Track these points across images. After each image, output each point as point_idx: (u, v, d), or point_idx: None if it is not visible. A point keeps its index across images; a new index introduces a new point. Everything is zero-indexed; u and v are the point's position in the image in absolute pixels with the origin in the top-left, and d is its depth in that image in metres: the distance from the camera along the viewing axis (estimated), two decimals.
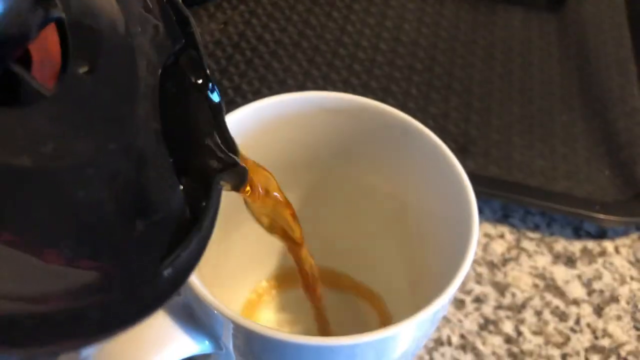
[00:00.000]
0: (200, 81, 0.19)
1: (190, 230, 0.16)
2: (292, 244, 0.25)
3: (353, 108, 0.27)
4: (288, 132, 0.28)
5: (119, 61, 0.15)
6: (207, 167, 0.18)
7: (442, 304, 0.21)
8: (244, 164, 0.20)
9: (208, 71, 0.19)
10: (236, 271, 0.30)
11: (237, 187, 0.20)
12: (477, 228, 0.22)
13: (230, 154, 0.19)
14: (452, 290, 0.21)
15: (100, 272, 0.13)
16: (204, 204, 0.17)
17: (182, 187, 0.17)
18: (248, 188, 0.21)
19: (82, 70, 0.14)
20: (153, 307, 0.14)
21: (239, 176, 0.20)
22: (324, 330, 0.30)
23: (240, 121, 0.26)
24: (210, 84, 0.19)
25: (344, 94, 0.27)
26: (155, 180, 0.16)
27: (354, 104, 0.27)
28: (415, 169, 0.26)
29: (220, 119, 0.19)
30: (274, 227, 0.24)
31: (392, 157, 0.27)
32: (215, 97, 0.19)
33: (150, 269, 0.14)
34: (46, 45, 0.14)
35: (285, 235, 0.24)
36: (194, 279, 0.20)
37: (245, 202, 0.23)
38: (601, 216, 0.36)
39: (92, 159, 0.13)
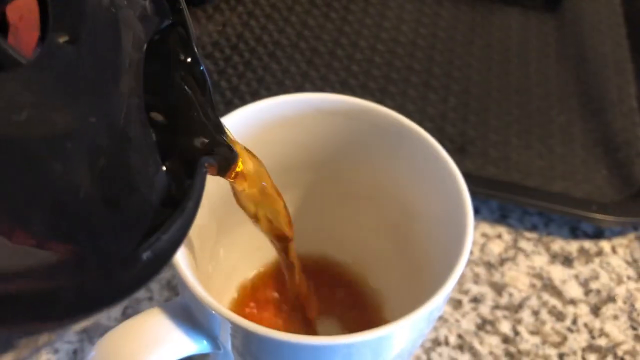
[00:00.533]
0: (189, 60, 0.18)
1: (172, 213, 0.15)
2: (279, 237, 0.24)
3: (350, 109, 0.27)
4: (286, 133, 0.28)
5: (102, 33, 0.15)
6: (192, 147, 0.17)
7: (437, 303, 0.21)
8: (232, 147, 0.19)
9: (196, 50, 0.18)
10: (227, 268, 0.30)
11: (224, 170, 0.19)
12: (472, 229, 0.22)
13: (218, 135, 0.18)
14: (446, 290, 0.21)
15: (74, 254, 0.13)
16: (187, 185, 0.16)
17: (165, 167, 0.16)
18: (234, 173, 0.20)
19: (63, 39, 0.13)
20: (129, 291, 0.14)
21: (226, 158, 0.19)
22: (307, 323, 0.30)
23: (238, 122, 0.26)
24: (198, 63, 0.18)
25: (341, 96, 0.27)
26: (137, 158, 0.15)
27: (351, 106, 0.27)
28: (411, 170, 0.27)
29: (208, 99, 0.19)
30: (261, 218, 0.23)
31: (388, 157, 0.27)
32: (202, 76, 0.18)
33: (128, 252, 0.14)
34: (24, 12, 0.13)
35: (271, 227, 0.24)
36: (191, 279, 0.20)
37: (232, 190, 0.22)
38: (598, 216, 0.36)
39: (70, 131, 0.13)
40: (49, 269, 0.12)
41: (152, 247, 0.14)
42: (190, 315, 0.21)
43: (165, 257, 0.15)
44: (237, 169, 0.20)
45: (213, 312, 0.20)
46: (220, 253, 0.29)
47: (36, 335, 0.12)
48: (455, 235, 0.23)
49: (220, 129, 0.19)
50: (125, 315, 0.33)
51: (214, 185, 0.20)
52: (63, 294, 0.12)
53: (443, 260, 0.23)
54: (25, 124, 0.12)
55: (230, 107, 0.36)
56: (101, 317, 0.32)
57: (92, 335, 0.32)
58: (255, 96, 0.42)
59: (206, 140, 0.18)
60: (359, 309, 0.32)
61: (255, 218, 0.23)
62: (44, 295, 0.12)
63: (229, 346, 0.22)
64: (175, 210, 0.15)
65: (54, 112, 0.13)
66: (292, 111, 0.28)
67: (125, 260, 0.14)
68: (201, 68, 0.19)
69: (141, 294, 0.33)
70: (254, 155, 0.22)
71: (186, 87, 0.18)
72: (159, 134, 0.16)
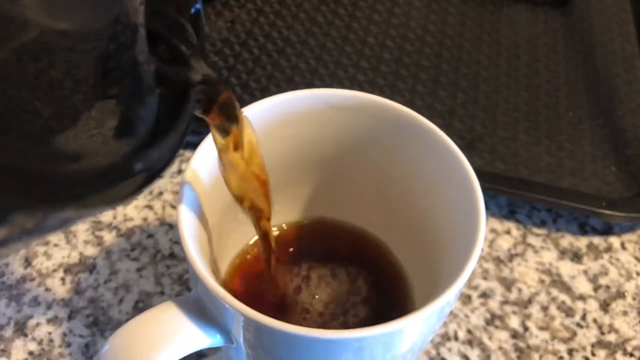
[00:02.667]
0: None
1: (163, 134, 0.16)
2: (259, 216, 0.25)
3: (360, 105, 0.27)
4: (296, 129, 0.28)
5: None
6: (187, 77, 0.18)
7: (448, 299, 0.21)
8: (230, 97, 0.20)
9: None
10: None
11: (210, 104, 0.20)
12: (484, 225, 0.22)
13: (210, 71, 0.19)
14: (458, 285, 0.21)
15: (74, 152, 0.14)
16: (177, 111, 0.17)
17: (159, 91, 0.17)
18: (224, 141, 0.21)
19: None
20: (121, 197, 0.15)
21: (216, 89, 0.20)
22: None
23: (250, 118, 0.26)
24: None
25: (351, 91, 0.27)
26: (136, 77, 0.16)
27: (361, 101, 0.27)
28: (423, 165, 0.27)
29: (201, 37, 0.20)
30: (242, 196, 0.24)
31: (399, 152, 0.27)
32: (198, 11, 0.20)
33: (122, 160, 0.15)
34: None
35: (253, 206, 0.24)
36: (205, 272, 0.21)
37: (219, 159, 0.22)
38: (607, 212, 0.36)
39: (77, 34, 0.14)
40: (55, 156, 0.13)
41: (143, 160, 0.15)
42: (203, 309, 0.22)
43: (155, 170, 0.16)
44: (237, 137, 0.21)
45: (226, 305, 0.20)
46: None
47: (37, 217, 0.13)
48: (467, 230, 0.23)
49: (210, 69, 0.20)
50: (137, 309, 0.33)
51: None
52: (62, 183, 0.13)
53: (455, 255, 0.24)
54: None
55: (240, 103, 0.36)
56: (113, 310, 0.33)
57: (103, 329, 0.32)
58: (265, 92, 0.42)
59: (202, 73, 0.19)
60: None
61: (237, 195, 0.24)
62: (47, 180, 0.13)
63: (241, 340, 0.22)
64: (165, 132, 0.17)
65: (61, 15, 0.14)
66: (302, 107, 0.28)
67: (120, 167, 0.15)
68: (197, 6, 0.20)
69: (152, 288, 0.34)
70: (253, 131, 0.23)
71: (184, 22, 0.19)
72: (157, 57, 0.18)
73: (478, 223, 0.22)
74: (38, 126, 0.14)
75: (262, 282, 0.29)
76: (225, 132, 0.21)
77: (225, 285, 0.29)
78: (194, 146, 0.25)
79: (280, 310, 0.29)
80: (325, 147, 0.29)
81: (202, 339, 0.22)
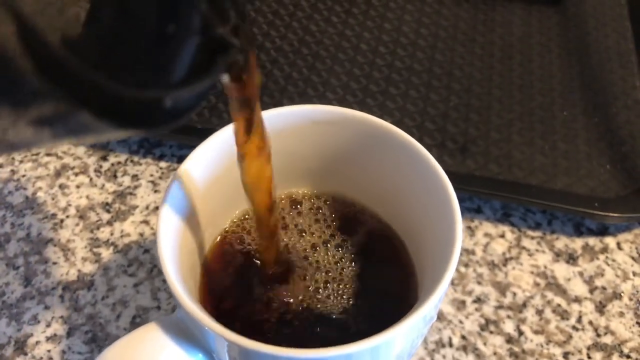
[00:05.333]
0: None
1: (195, 78, 0.18)
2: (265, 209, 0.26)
3: (341, 120, 0.27)
4: (281, 144, 0.29)
5: None
6: (227, 38, 0.19)
7: (429, 309, 0.22)
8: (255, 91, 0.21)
9: None
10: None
11: (239, 74, 0.20)
12: (460, 239, 0.23)
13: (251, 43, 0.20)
14: (438, 295, 0.22)
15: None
16: (210, 62, 0.18)
17: (197, 42, 0.18)
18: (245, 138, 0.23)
19: None
20: (148, 126, 0.16)
21: (246, 60, 0.20)
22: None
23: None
24: None
25: (333, 107, 0.27)
26: (184, 17, 0.17)
27: (342, 116, 0.27)
28: (401, 177, 0.27)
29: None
30: (254, 182, 0.25)
31: (381, 166, 0.28)
32: None
33: (156, 91, 0.16)
34: None
35: (261, 200, 0.25)
36: (185, 297, 0.21)
37: (238, 155, 0.23)
38: (602, 213, 0.36)
39: None
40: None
41: (174, 96, 0.17)
42: (186, 329, 0.22)
43: (184, 108, 0.18)
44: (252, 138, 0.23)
45: (206, 327, 0.20)
46: None
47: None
48: (445, 243, 0.23)
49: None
50: (135, 325, 0.34)
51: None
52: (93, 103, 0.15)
53: (436, 264, 0.24)
54: None
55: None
56: (111, 326, 0.33)
57: (101, 346, 0.33)
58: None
59: (240, 41, 0.19)
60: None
61: (249, 188, 0.25)
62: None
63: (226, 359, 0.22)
64: (197, 77, 0.18)
65: None
66: (287, 122, 0.28)
67: (153, 99, 0.16)
68: None
69: (149, 303, 0.34)
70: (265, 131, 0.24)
71: None
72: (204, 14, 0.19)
73: (454, 239, 0.22)
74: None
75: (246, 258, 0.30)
76: (243, 106, 0.22)
77: (207, 263, 0.29)
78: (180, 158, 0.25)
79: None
80: (310, 161, 0.29)
81: (184, 358, 0.22)
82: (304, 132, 0.28)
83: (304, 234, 0.30)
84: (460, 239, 0.23)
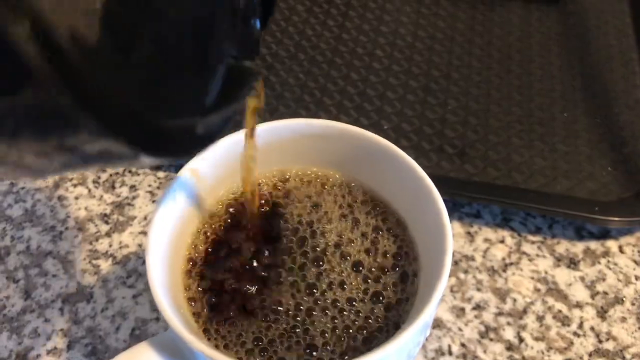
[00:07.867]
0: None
1: (223, 104, 0.19)
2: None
3: (335, 134, 0.27)
4: (275, 157, 0.29)
5: None
6: (251, 69, 0.21)
7: (424, 321, 0.21)
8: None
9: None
10: None
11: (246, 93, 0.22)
12: (450, 255, 0.22)
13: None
14: (430, 309, 0.22)
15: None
16: (238, 87, 0.20)
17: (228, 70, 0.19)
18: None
19: None
20: (180, 152, 0.17)
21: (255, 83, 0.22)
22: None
23: (230, 147, 0.26)
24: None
25: (324, 121, 0.27)
26: (220, 48, 0.19)
27: (336, 131, 0.27)
28: (394, 187, 0.27)
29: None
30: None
31: (374, 178, 0.27)
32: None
33: (193, 113, 0.18)
34: None
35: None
36: (175, 319, 0.21)
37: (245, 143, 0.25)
38: (603, 217, 0.36)
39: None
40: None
41: (206, 122, 0.18)
42: (176, 349, 0.22)
43: (212, 132, 0.19)
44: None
45: (195, 350, 0.20)
46: None
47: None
48: (437, 256, 0.23)
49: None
50: (134, 337, 0.34)
51: None
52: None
53: (429, 271, 0.24)
54: None
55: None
56: (110, 338, 0.33)
57: (101, 358, 0.33)
58: None
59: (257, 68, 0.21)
60: None
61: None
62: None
63: None
64: (225, 102, 0.19)
65: None
66: (282, 136, 0.28)
67: (188, 126, 0.17)
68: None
69: (148, 314, 0.34)
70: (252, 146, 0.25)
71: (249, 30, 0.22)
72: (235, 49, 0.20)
73: (445, 253, 0.22)
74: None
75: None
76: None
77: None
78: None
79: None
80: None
81: None
82: (299, 145, 0.28)
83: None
84: (450, 252, 0.22)
